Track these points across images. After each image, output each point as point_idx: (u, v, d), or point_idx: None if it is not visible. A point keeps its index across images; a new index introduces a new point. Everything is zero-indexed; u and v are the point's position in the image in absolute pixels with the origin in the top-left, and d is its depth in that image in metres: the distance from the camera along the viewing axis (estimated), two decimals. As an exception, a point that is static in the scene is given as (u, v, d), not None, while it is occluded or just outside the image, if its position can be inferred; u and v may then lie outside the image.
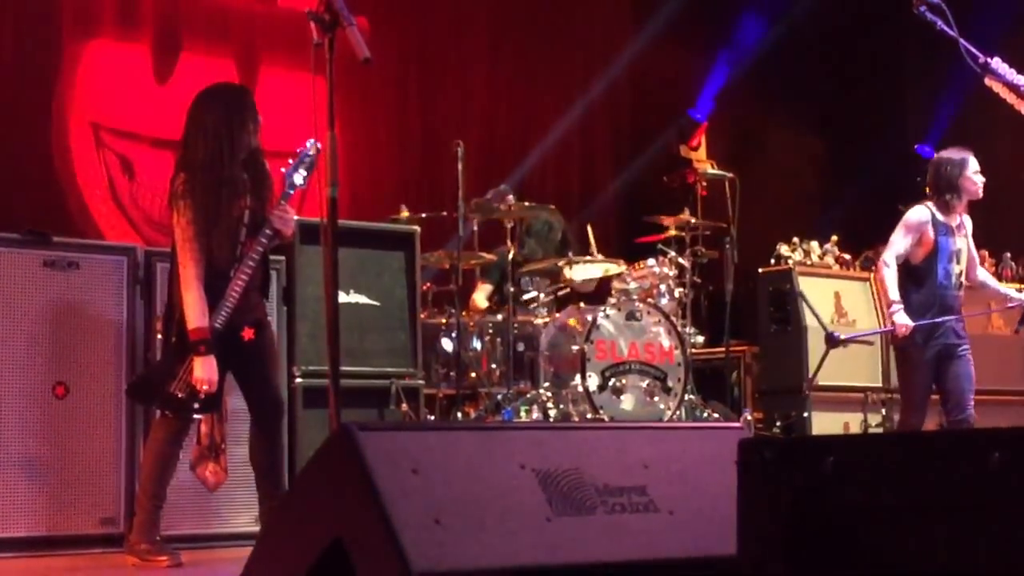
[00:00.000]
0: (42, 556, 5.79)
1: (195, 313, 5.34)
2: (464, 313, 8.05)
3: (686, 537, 3.08)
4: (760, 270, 9.14)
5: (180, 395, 5.42)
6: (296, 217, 6.25)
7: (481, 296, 8.71)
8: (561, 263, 8.10)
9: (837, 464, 2.63)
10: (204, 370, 5.36)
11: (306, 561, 2.91)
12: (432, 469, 2.85)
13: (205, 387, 5.37)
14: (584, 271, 8.35)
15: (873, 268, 9.38)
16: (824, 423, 8.65)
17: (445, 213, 7.98)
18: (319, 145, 5.46)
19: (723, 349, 8.98)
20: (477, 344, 7.96)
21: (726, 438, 3.27)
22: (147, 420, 6.11)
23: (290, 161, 5.63)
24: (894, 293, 6.91)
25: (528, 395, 7.70)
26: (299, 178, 5.58)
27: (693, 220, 8.56)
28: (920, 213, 7.02)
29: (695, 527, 3.10)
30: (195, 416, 5.57)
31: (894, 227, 7.05)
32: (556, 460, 3.05)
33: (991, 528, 2.38)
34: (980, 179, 7.07)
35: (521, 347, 7.86)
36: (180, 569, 5.43)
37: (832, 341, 7.55)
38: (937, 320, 6.84)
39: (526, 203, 7.96)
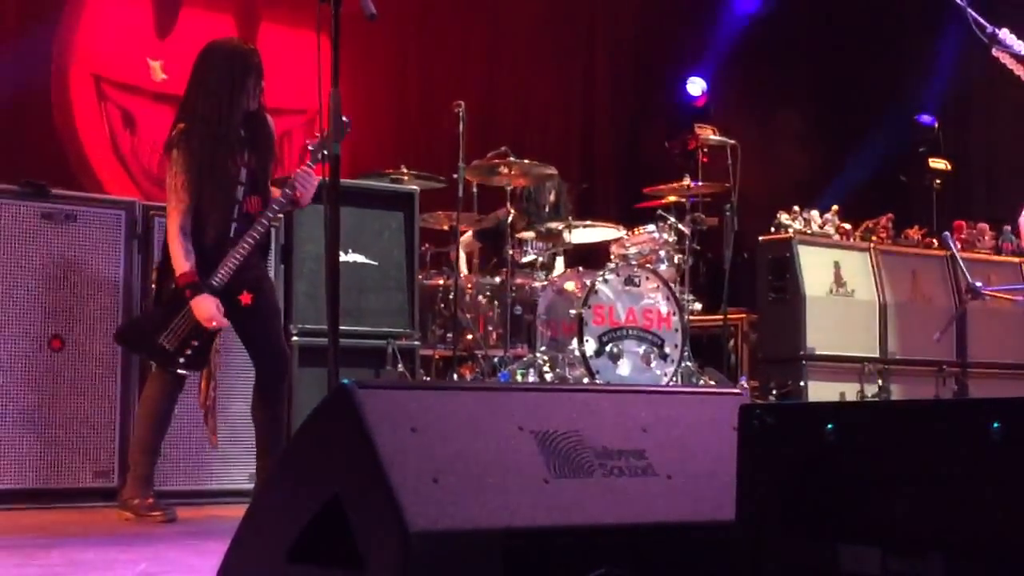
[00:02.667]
0: (35, 509, 5.80)
1: (179, 259, 5.33)
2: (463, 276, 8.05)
3: (684, 501, 3.07)
4: (760, 238, 9.13)
5: (168, 347, 5.40)
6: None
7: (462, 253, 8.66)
8: (561, 226, 8.07)
9: (838, 431, 2.63)
10: (202, 309, 5.34)
11: (303, 518, 2.90)
12: (431, 428, 2.84)
13: (213, 324, 5.36)
14: (583, 235, 8.33)
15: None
16: (820, 392, 8.66)
17: (443, 182, 7.94)
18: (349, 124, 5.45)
19: (721, 316, 8.98)
20: (475, 306, 7.97)
21: (726, 404, 3.26)
22: (143, 374, 6.11)
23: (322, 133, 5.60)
24: None
25: (525, 359, 7.69)
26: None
27: (697, 183, 8.52)
28: None
29: (693, 492, 3.09)
30: (182, 371, 5.53)
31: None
32: (555, 422, 3.04)
33: (991, 497, 2.37)
34: None
35: (519, 310, 7.84)
36: (174, 525, 5.43)
37: (973, 292, 7.19)
38: None
39: (526, 160, 7.90)
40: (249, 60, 5.59)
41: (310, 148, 5.57)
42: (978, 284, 7.17)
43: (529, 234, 8.14)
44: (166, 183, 5.46)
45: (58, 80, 9.00)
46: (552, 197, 8.67)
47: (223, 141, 5.44)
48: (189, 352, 5.42)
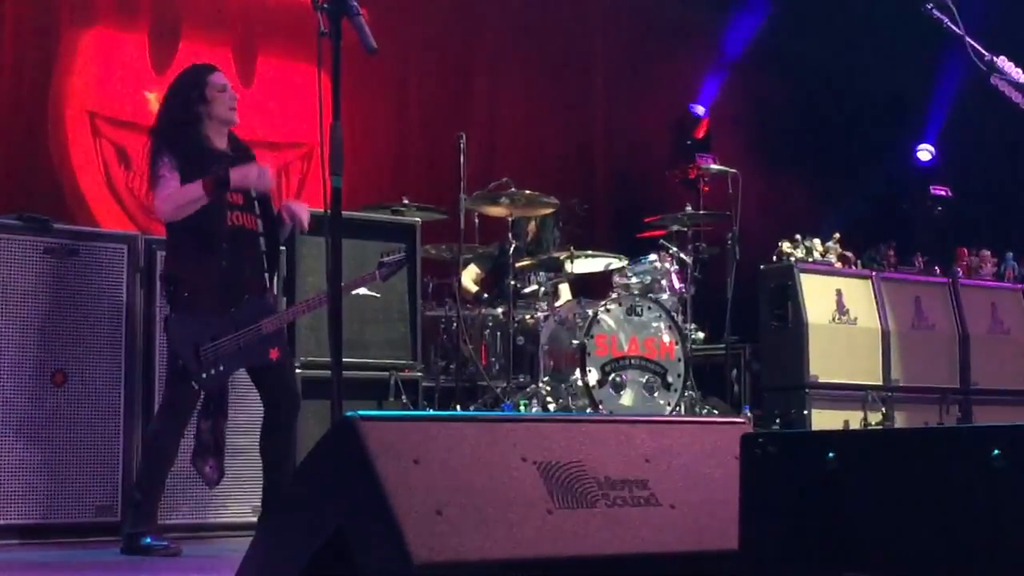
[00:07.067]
0: (37, 544, 5.79)
1: (191, 193, 5.48)
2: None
3: (687, 531, 3.07)
4: (762, 267, 9.13)
5: (202, 358, 5.42)
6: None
7: (467, 278, 8.64)
8: (562, 256, 8.07)
9: (839, 459, 2.63)
10: (248, 174, 5.57)
11: (307, 551, 2.90)
12: (434, 460, 2.85)
13: (264, 183, 5.66)
14: (585, 265, 8.33)
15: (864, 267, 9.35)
16: (823, 420, 8.64)
17: (445, 213, 7.96)
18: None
19: (723, 345, 8.97)
20: (478, 336, 7.97)
21: (729, 433, 3.26)
22: (146, 408, 6.11)
23: (386, 260, 6.01)
24: None
25: (527, 389, 7.68)
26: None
27: (699, 212, 8.52)
28: None
29: (696, 521, 3.09)
30: (195, 385, 5.55)
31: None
32: (558, 453, 3.04)
33: (991, 524, 2.37)
34: None
35: (521, 341, 7.84)
36: (178, 559, 5.41)
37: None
38: None
39: (527, 191, 7.89)
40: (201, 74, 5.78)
41: (383, 259, 6.01)
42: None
43: (530, 262, 8.13)
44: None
45: (54, 116, 9.01)
46: (532, 228, 8.66)
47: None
48: (212, 372, 5.45)
